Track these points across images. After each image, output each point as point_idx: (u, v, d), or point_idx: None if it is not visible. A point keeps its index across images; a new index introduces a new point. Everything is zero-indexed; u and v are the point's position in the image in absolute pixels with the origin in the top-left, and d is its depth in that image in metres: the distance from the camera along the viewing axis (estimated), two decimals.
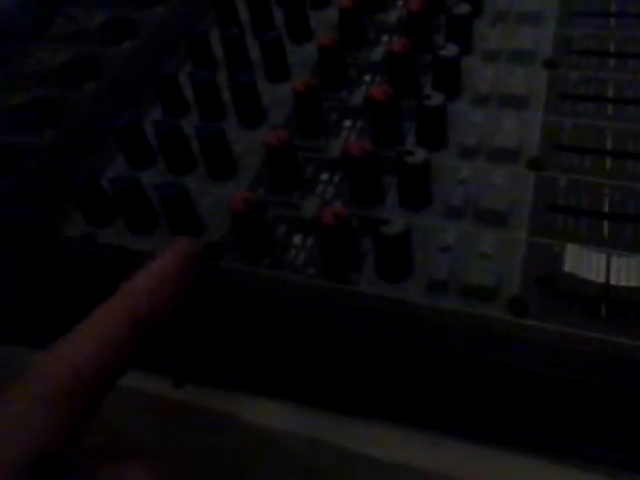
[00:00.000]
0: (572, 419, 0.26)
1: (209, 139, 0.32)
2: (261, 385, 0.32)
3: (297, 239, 0.30)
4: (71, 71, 0.35)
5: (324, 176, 0.33)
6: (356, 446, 0.31)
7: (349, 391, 0.31)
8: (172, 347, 0.34)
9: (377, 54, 0.39)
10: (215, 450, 0.38)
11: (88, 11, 0.37)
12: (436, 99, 0.31)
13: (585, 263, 0.26)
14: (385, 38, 0.40)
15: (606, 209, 0.29)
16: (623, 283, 0.25)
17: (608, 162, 0.31)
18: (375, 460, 0.31)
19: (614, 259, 0.26)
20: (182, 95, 0.36)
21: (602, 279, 0.25)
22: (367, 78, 0.38)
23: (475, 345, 0.26)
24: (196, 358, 0.34)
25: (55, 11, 0.38)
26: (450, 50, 0.34)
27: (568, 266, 0.26)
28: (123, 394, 0.36)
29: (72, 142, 0.34)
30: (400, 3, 0.42)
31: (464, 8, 0.37)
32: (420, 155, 0.29)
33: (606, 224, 0.29)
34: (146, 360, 0.34)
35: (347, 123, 0.35)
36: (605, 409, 0.25)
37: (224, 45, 0.38)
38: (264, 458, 0.36)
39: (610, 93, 0.34)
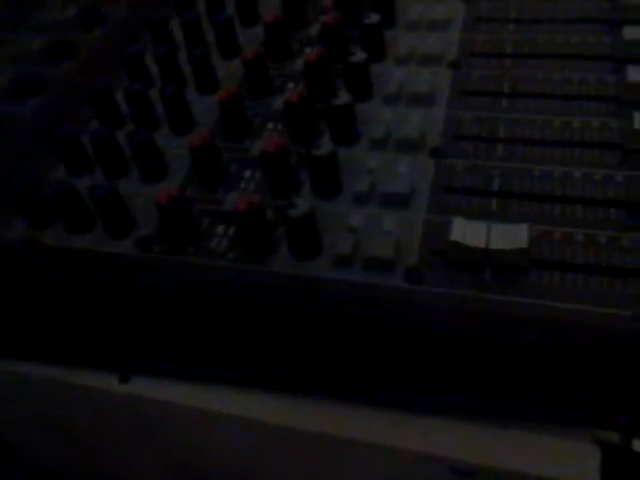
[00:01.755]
0: (466, 375, 0.29)
1: (139, 145, 0.35)
2: (200, 371, 0.35)
3: (220, 229, 0.33)
4: (13, 88, 0.38)
5: (247, 173, 0.36)
6: (299, 424, 0.33)
7: (278, 368, 0.33)
8: (114, 343, 0.36)
9: (299, 64, 0.42)
10: (162, 441, 0.40)
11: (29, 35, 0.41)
12: (343, 98, 0.35)
13: (468, 232, 0.29)
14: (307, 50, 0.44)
15: (495, 188, 0.33)
16: (501, 247, 0.28)
17: (500, 148, 0.35)
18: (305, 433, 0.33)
19: (493, 227, 0.29)
20: (118, 107, 0.39)
21: (482, 245, 0.28)
22: (290, 86, 0.41)
23: (377, 312, 0.29)
24: (138, 351, 0.36)
25: None
26: (359, 56, 0.38)
27: (454, 235, 0.29)
28: (70, 391, 0.38)
29: (14, 151, 0.37)
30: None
31: (374, 18, 0.41)
32: (326, 147, 0.32)
33: (494, 201, 0.32)
34: (90, 357, 0.37)
35: (270, 125, 0.39)
36: (489, 360, 0.28)
37: (157, 62, 0.41)
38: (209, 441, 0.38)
39: (505, 88, 0.38)
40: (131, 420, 0.40)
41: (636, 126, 0.33)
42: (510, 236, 0.29)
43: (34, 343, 0.38)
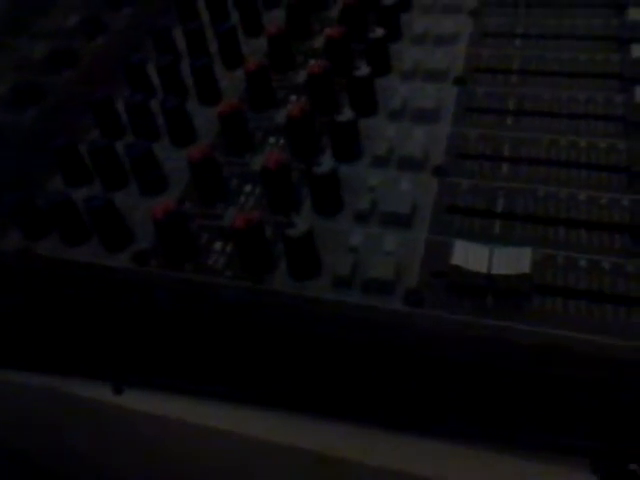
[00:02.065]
0: (464, 399, 0.29)
1: (138, 157, 0.34)
2: (194, 386, 0.35)
3: (218, 246, 0.33)
4: (13, 96, 0.38)
5: (247, 188, 0.35)
6: (294, 441, 0.33)
7: (275, 386, 0.33)
8: (109, 354, 0.36)
9: (302, 76, 0.42)
10: (155, 453, 0.40)
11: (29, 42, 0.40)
12: (346, 115, 0.34)
13: (470, 256, 0.28)
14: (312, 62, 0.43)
15: (499, 209, 0.32)
16: (503, 272, 0.28)
17: (505, 167, 0.34)
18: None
19: (496, 251, 0.28)
20: (118, 117, 0.39)
21: (484, 269, 0.28)
22: (293, 98, 0.41)
23: (375, 335, 0.29)
24: (132, 364, 0.36)
25: None
26: (363, 70, 0.37)
27: (455, 259, 0.28)
28: (63, 402, 0.38)
29: (12, 160, 0.37)
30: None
31: (379, 32, 0.40)
32: (327, 165, 0.32)
33: (498, 223, 0.31)
34: (84, 368, 0.36)
35: (272, 140, 0.38)
36: (487, 386, 0.28)
37: (159, 72, 0.41)
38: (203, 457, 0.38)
39: (511, 106, 0.38)
40: (124, 432, 0.39)
41: None
42: (513, 261, 0.28)
43: (29, 353, 0.37)
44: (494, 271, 0.28)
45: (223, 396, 0.34)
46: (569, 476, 0.29)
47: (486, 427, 0.30)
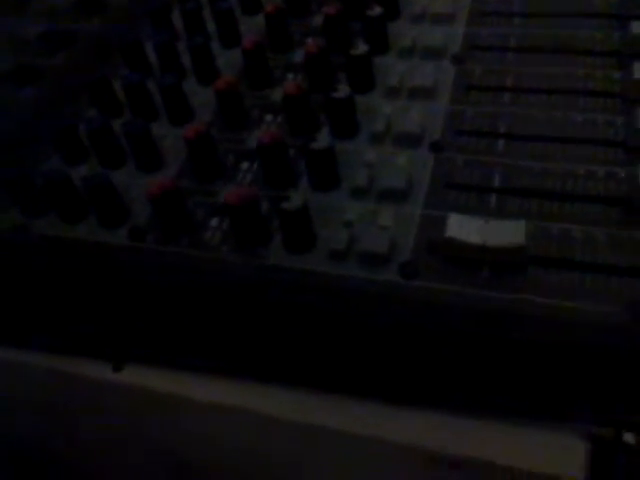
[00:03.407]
0: (460, 369, 0.29)
1: (135, 135, 0.34)
2: (192, 361, 0.35)
3: (214, 222, 0.33)
4: (11, 76, 0.38)
5: (244, 165, 0.35)
6: (292, 415, 0.33)
7: (273, 360, 0.33)
8: (108, 332, 0.36)
9: (299, 55, 0.41)
10: (155, 430, 0.40)
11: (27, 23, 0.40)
12: (343, 91, 0.34)
13: (465, 228, 0.28)
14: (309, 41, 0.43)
15: (495, 184, 0.32)
16: (498, 244, 0.28)
17: (501, 143, 0.34)
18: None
19: (490, 223, 0.29)
20: (115, 97, 0.39)
21: (479, 241, 0.28)
22: (290, 77, 0.41)
23: (370, 306, 0.29)
24: (132, 341, 0.36)
25: None
26: (361, 48, 0.37)
27: (450, 231, 0.28)
28: (65, 380, 0.38)
29: (10, 139, 0.37)
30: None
31: (377, 10, 0.40)
32: (324, 141, 0.32)
33: (494, 197, 0.32)
34: (83, 346, 0.37)
35: (269, 117, 0.38)
36: (483, 355, 0.28)
37: (157, 51, 0.41)
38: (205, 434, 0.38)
39: (508, 83, 0.37)
40: (124, 409, 0.40)
41: (639, 125, 0.32)
42: (507, 233, 0.28)
43: (27, 331, 0.37)
44: (489, 243, 0.28)
45: (220, 370, 0.34)
46: (560, 441, 0.30)
47: (480, 396, 0.30)
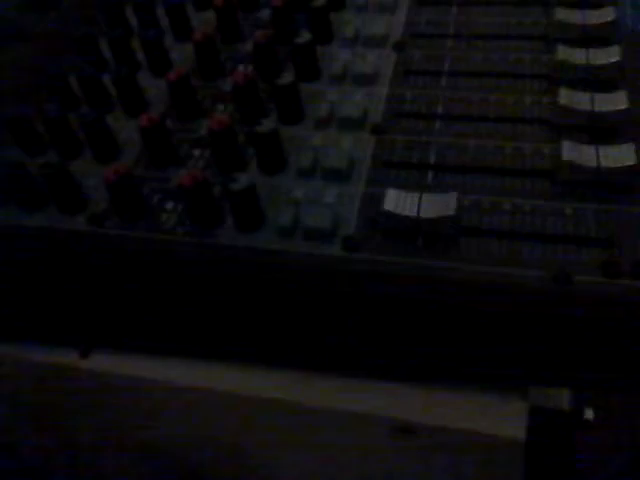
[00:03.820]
0: (402, 337, 0.31)
1: (90, 124, 0.36)
2: (158, 344, 0.37)
3: (169, 206, 0.35)
4: None
5: (196, 152, 0.37)
6: (248, 390, 0.35)
7: (230, 338, 0.35)
8: (73, 318, 0.38)
9: (249, 46, 0.43)
10: (126, 414, 0.42)
11: None
12: (287, 78, 0.36)
13: (400, 202, 0.31)
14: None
15: (431, 162, 0.34)
16: (430, 215, 0.30)
17: (438, 124, 0.36)
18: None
19: (424, 197, 0.31)
20: (71, 90, 0.40)
21: (414, 213, 0.30)
22: (240, 68, 0.42)
23: (317, 279, 0.31)
24: (97, 326, 0.38)
25: None
26: (304, 37, 0.39)
27: (387, 205, 0.31)
28: (31, 369, 0.40)
29: None
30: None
31: (321, 1, 0.42)
32: (269, 125, 0.34)
33: (430, 174, 0.34)
34: (48, 334, 0.38)
35: (220, 107, 0.40)
36: (423, 322, 0.30)
37: (110, 45, 0.42)
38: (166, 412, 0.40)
39: (446, 67, 0.40)
40: (93, 396, 0.41)
41: (561, 102, 0.35)
42: (440, 205, 0.31)
43: None
44: (422, 215, 0.30)
45: (185, 353, 0.36)
46: (501, 403, 0.32)
47: (423, 361, 0.32)
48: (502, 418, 0.32)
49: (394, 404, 0.33)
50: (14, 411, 0.46)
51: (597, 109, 0.34)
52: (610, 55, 0.36)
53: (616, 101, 0.34)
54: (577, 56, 0.37)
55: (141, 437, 0.43)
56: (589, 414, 0.42)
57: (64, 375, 0.40)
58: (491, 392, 0.32)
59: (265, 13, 0.46)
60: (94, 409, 0.42)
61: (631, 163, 0.31)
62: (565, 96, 0.35)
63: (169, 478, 0.46)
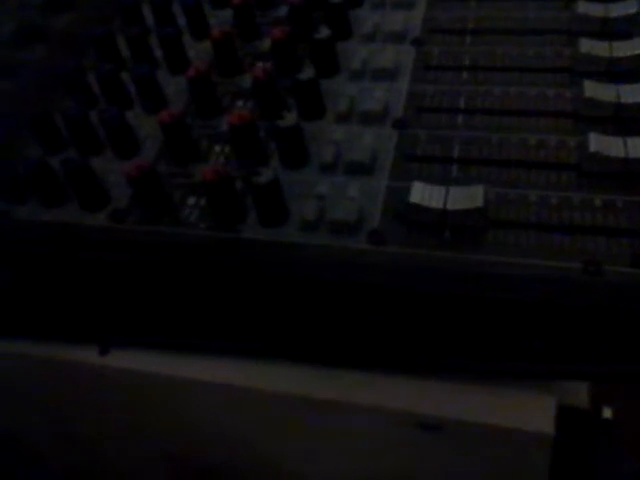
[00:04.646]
0: (430, 329, 0.31)
1: (110, 121, 0.36)
2: (180, 340, 0.36)
3: (191, 201, 0.34)
4: None
5: (217, 148, 0.37)
6: (272, 387, 0.34)
7: (255, 334, 0.35)
8: (93, 315, 0.37)
9: (267, 44, 0.43)
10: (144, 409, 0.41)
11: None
12: (307, 73, 0.36)
13: (427, 195, 0.30)
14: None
15: (455, 155, 0.34)
16: (458, 207, 0.30)
17: (460, 118, 0.36)
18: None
19: (451, 189, 0.31)
20: (90, 88, 0.40)
21: (441, 206, 0.30)
22: (259, 65, 0.42)
23: (342, 273, 0.30)
24: (117, 323, 0.38)
25: None
26: (323, 32, 0.39)
27: (413, 198, 0.30)
28: (51, 366, 0.39)
29: None
30: None
31: None
32: (291, 119, 0.34)
33: (454, 167, 0.34)
34: (69, 332, 0.38)
35: (239, 103, 0.40)
36: (450, 316, 0.30)
37: (129, 43, 0.42)
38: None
39: (466, 62, 0.40)
40: (112, 394, 0.41)
41: (587, 94, 0.34)
42: (467, 197, 0.30)
43: (12, 319, 0.39)
44: (449, 207, 0.30)
45: (205, 349, 0.36)
46: (530, 399, 0.32)
47: (450, 357, 0.32)
48: (529, 412, 0.31)
49: (421, 399, 0.33)
50: (28, 407, 0.46)
51: (623, 101, 0.33)
52: (635, 47, 0.36)
53: None
54: (600, 49, 0.37)
55: (159, 434, 0.43)
56: (607, 413, 0.42)
57: (84, 372, 0.39)
58: (518, 386, 0.32)
59: (282, 10, 0.46)
60: (113, 407, 0.42)
61: None
62: (590, 88, 0.34)
63: (186, 477, 0.45)
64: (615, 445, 0.39)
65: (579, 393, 0.37)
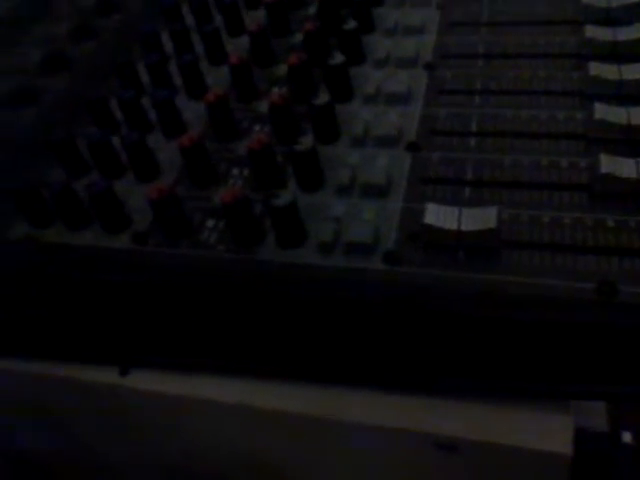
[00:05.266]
0: (447, 349, 0.31)
1: (132, 145, 0.37)
2: (199, 361, 0.37)
3: (210, 223, 0.35)
4: (11, 98, 0.40)
5: (235, 171, 0.38)
6: (289, 407, 0.35)
7: (272, 354, 0.35)
8: (111, 336, 0.38)
9: (282, 70, 0.44)
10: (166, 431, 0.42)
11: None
12: (322, 98, 0.37)
13: (441, 216, 0.31)
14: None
15: (468, 177, 0.35)
16: (471, 228, 0.30)
17: (472, 141, 0.37)
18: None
19: (464, 211, 0.31)
20: (112, 114, 0.42)
21: (455, 227, 0.31)
22: (275, 89, 0.43)
23: (359, 293, 0.31)
24: (137, 344, 0.38)
25: None
26: (337, 58, 0.40)
27: (427, 219, 0.31)
28: (72, 389, 0.40)
29: (16, 159, 0.40)
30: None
31: (352, 24, 0.43)
32: (307, 143, 0.34)
33: (467, 189, 0.34)
34: (90, 353, 0.38)
35: (256, 128, 0.41)
36: (466, 336, 0.30)
37: (148, 70, 0.44)
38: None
39: (478, 85, 0.40)
40: (129, 414, 0.41)
41: (597, 116, 0.35)
42: (480, 218, 0.31)
43: (36, 341, 0.39)
44: (464, 228, 0.31)
45: (223, 369, 0.36)
46: (548, 419, 0.32)
47: (465, 377, 0.32)
48: (546, 433, 0.32)
49: (436, 419, 0.33)
50: (45, 426, 0.46)
51: (634, 122, 0.34)
52: None
53: None
54: (609, 72, 0.38)
55: (174, 455, 0.43)
56: (627, 437, 0.42)
57: (103, 392, 0.40)
58: (534, 406, 0.32)
59: (297, 38, 0.47)
60: (130, 426, 0.42)
61: None
62: (600, 111, 0.35)
63: None
64: (635, 469, 0.39)
65: (597, 416, 0.38)
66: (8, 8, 0.43)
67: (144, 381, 0.38)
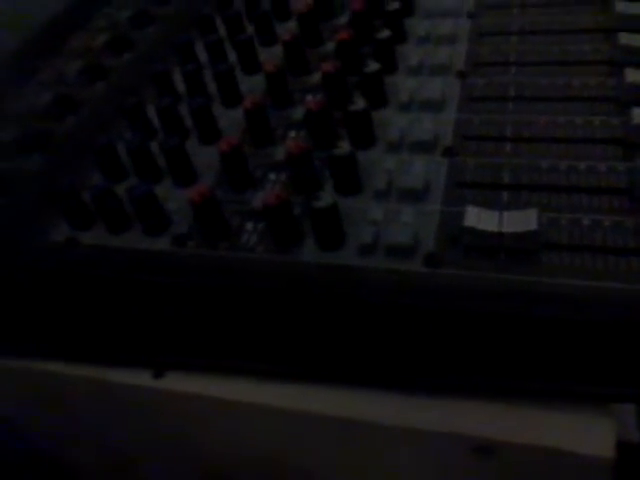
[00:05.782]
0: (487, 351, 0.31)
1: (171, 150, 0.38)
2: (235, 363, 0.37)
3: (249, 226, 0.36)
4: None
5: (272, 176, 0.38)
6: (326, 410, 0.35)
7: (311, 356, 0.35)
8: (148, 338, 0.38)
9: (314, 78, 0.45)
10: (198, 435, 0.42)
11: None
12: (358, 105, 0.38)
13: (482, 218, 0.31)
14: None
15: (505, 181, 0.35)
16: (512, 230, 0.31)
17: (508, 146, 0.37)
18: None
19: (505, 213, 0.31)
20: (150, 121, 0.42)
21: (496, 229, 0.31)
22: (309, 98, 0.44)
23: (400, 296, 0.31)
24: (172, 346, 0.39)
25: None
26: (372, 66, 0.41)
27: (468, 222, 0.31)
28: (107, 392, 0.40)
29: (58, 165, 0.40)
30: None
31: (385, 34, 0.44)
32: (345, 148, 0.35)
33: (505, 193, 0.34)
34: (124, 355, 0.39)
35: (292, 134, 0.41)
36: (507, 337, 0.30)
37: (185, 79, 0.44)
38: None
39: (511, 92, 0.41)
40: (163, 416, 0.41)
41: (635, 121, 0.35)
42: (521, 220, 0.31)
43: (73, 343, 0.40)
44: (504, 230, 0.31)
45: (260, 372, 0.36)
46: (589, 420, 0.32)
47: (507, 379, 0.32)
48: (588, 435, 0.31)
49: (473, 422, 0.33)
50: (76, 430, 0.46)
51: None
52: None
53: None
54: None
55: (204, 457, 0.43)
56: None
57: (137, 395, 0.40)
58: (576, 409, 0.32)
59: (328, 47, 0.48)
60: (163, 429, 0.42)
61: None
62: (639, 116, 0.35)
63: None
64: None
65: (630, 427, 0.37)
66: (47, 19, 0.44)
67: (180, 383, 0.39)
